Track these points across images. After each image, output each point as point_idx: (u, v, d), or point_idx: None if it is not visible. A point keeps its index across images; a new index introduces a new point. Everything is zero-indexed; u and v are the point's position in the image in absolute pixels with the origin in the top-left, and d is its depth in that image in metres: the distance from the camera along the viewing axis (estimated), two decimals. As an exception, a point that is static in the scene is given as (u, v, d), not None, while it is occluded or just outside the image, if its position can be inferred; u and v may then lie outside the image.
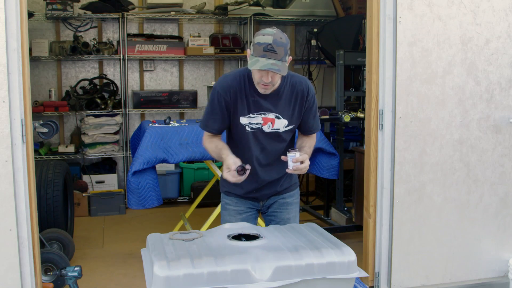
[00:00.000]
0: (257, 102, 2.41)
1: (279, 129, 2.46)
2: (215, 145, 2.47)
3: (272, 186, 2.60)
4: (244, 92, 2.40)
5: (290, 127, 2.49)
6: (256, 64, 2.20)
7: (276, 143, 2.50)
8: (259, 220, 3.41)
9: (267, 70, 2.22)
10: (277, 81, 2.35)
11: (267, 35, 2.21)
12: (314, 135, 2.62)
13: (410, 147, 3.10)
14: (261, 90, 2.35)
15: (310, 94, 2.47)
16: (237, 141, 2.52)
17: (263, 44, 2.20)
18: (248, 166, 2.30)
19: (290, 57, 2.33)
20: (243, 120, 2.43)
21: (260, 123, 2.44)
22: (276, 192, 2.61)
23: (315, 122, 2.56)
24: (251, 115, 2.43)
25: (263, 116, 2.43)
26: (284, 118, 2.45)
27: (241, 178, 2.29)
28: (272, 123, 2.45)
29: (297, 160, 2.32)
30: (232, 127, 2.49)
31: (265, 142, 2.49)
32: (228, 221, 2.59)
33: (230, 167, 2.28)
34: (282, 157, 2.40)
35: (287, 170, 2.36)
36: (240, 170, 2.29)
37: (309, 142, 2.57)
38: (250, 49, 2.30)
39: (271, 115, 2.43)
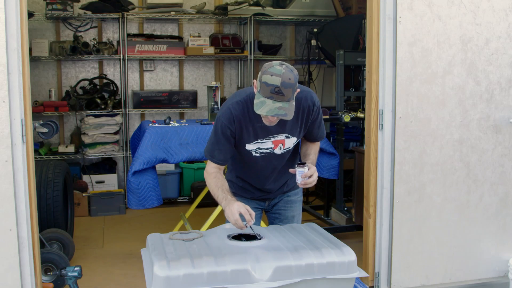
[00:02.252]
0: (265, 128, 2.35)
1: (289, 147, 2.47)
2: (220, 184, 2.39)
3: (279, 189, 2.63)
4: (249, 119, 2.35)
5: (298, 140, 2.51)
6: (263, 108, 2.14)
7: (286, 159, 2.52)
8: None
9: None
10: None
11: (275, 76, 2.12)
12: (318, 144, 2.63)
13: (410, 147, 3.10)
14: (266, 123, 2.30)
15: (315, 108, 2.43)
16: (244, 163, 2.52)
17: (271, 85, 2.12)
18: (251, 222, 2.21)
19: (298, 89, 2.26)
20: (249, 146, 2.41)
21: (271, 147, 2.42)
22: (282, 192, 2.64)
23: (320, 131, 2.55)
24: (259, 140, 2.39)
25: (272, 139, 2.40)
26: (293, 136, 2.44)
27: (243, 227, 2.21)
28: (283, 144, 2.43)
29: (306, 175, 2.30)
30: (237, 151, 2.47)
31: (276, 163, 2.49)
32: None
33: (239, 211, 2.21)
34: (291, 170, 2.41)
35: (297, 184, 2.36)
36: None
37: (314, 149, 2.56)
38: (257, 82, 2.22)
39: (281, 137, 2.41)
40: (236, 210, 2.20)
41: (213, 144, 2.41)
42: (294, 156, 2.59)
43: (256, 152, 2.43)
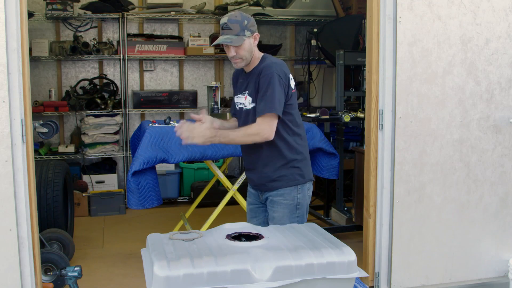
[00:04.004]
0: (242, 83, 2.69)
1: (246, 105, 2.63)
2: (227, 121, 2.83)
3: (260, 175, 2.67)
4: (238, 76, 2.76)
5: (253, 104, 2.60)
6: (214, 42, 2.58)
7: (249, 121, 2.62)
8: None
9: (228, 45, 2.53)
10: (246, 56, 2.56)
11: (225, 16, 2.57)
12: (260, 123, 2.49)
13: (410, 147, 3.10)
14: (234, 65, 2.63)
15: (263, 73, 2.53)
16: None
17: (222, 24, 2.56)
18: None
19: (257, 33, 2.60)
20: (235, 99, 2.74)
21: (243, 103, 2.66)
22: (266, 188, 2.68)
23: (263, 103, 2.48)
24: (239, 95, 2.70)
25: (245, 95, 2.65)
26: (249, 96, 2.62)
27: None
28: (246, 100, 2.66)
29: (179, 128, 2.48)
30: None
31: (246, 121, 2.63)
32: (247, 212, 2.86)
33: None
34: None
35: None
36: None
37: (244, 127, 2.55)
38: None
39: (246, 93, 2.65)
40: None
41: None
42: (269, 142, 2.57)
43: (238, 106, 2.71)
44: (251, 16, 5.66)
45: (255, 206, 2.79)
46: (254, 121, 2.55)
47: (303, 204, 2.66)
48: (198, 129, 2.45)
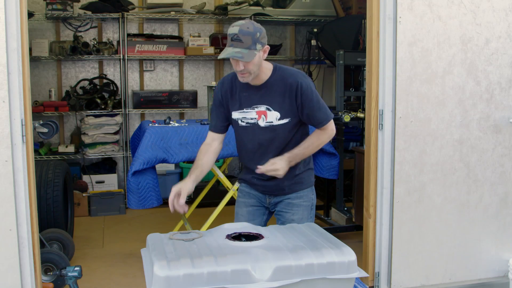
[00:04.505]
0: (249, 97, 2.50)
1: (272, 122, 2.48)
2: (197, 159, 2.58)
3: (278, 181, 2.57)
4: (236, 89, 2.53)
5: (285, 120, 2.48)
6: (222, 53, 2.34)
7: (273, 138, 2.51)
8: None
9: (237, 59, 2.33)
10: (254, 70, 2.40)
11: (235, 26, 2.33)
12: (327, 128, 2.55)
13: (410, 147, 3.10)
14: (240, 79, 2.43)
15: (303, 87, 2.44)
16: (237, 138, 2.63)
17: (231, 34, 2.33)
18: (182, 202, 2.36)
19: (267, 46, 2.42)
20: (235, 115, 2.54)
21: (255, 118, 2.50)
22: (282, 193, 2.62)
23: (321, 113, 2.51)
24: (244, 110, 2.52)
25: (256, 110, 2.49)
26: (275, 110, 2.47)
27: (172, 205, 2.38)
28: (265, 116, 2.49)
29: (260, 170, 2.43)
30: (231, 123, 2.62)
31: (261, 138, 2.51)
32: (237, 212, 2.72)
33: (172, 191, 2.37)
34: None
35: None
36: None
37: (309, 140, 2.55)
38: None
39: (262, 107, 2.49)
40: (174, 188, 2.37)
41: (211, 112, 2.67)
42: (284, 146, 2.54)
43: (242, 121, 2.54)
44: (251, 16, 5.71)
45: (255, 208, 2.69)
46: (284, 137, 2.51)
47: (314, 204, 2.71)
48: (278, 166, 2.42)
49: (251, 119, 2.51)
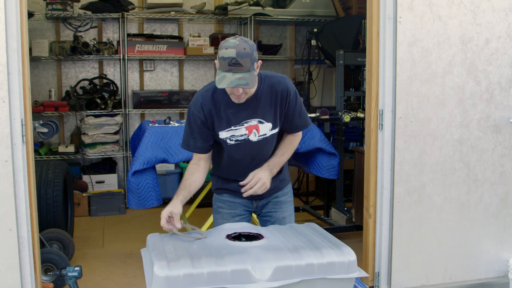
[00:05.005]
0: (237, 113, 2.33)
1: (265, 134, 2.40)
2: (184, 178, 2.44)
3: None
4: (219, 106, 2.34)
5: (276, 130, 2.43)
6: (223, 82, 2.14)
7: (265, 149, 2.46)
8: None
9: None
10: (251, 91, 2.29)
11: (230, 48, 2.12)
12: (299, 133, 2.54)
13: (410, 147, 3.10)
14: (235, 100, 2.28)
15: (291, 93, 2.37)
16: (224, 154, 2.48)
17: (227, 58, 2.12)
18: (178, 226, 2.23)
19: (260, 61, 2.24)
20: (223, 134, 2.38)
21: (245, 134, 2.38)
22: (270, 193, 2.55)
23: (302, 119, 2.47)
24: (233, 127, 2.36)
25: (246, 125, 2.36)
26: (267, 122, 2.38)
27: (169, 228, 2.22)
28: (258, 130, 2.38)
29: (245, 188, 2.33)
30: (215, 144, 2.47)
31: (254, 152, 2.43)
32: (222, 224, 2.52)
33: (162, 216, 2.24)
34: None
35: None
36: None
37: (284, 146, 2.49)
38: (216, 61, 2.21)
39: (254, 122, 2.37)
40: (164, 212, 2.24)
41: (187, 134, 2.44)
42: (272, 152, 2.51)
43: (231, 140, 2.39)
44: (251, 16, 5.71)
45: (241, 217, 2.58)
46: (273, 144, 2.47)
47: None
48: (263, 180, 2.33)
49: (241, 135, 2.38)
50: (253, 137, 2.40)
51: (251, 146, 2.41)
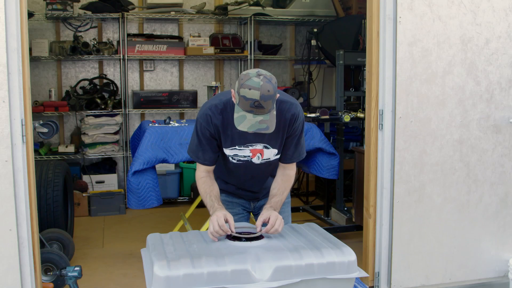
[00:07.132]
0: (243, 134, 2.27)
1: (269, 158, 2.38)
2: (209, 191, 2.35)
3: (263, 190, 2.56)
4: (227, 125, 2.29)
5: (280, 154, 2.41)
6: (244, 123, 2.08)
7: (267, 170, 2.46)
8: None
9: None
10: None
11: (254, 90, 2.03)
12: (294, 168, 2.45)
13: (410, 147, 3.10)
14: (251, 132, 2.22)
15: (298, 120, 2.32)
16: (225, 166, 2.47)
17: (250, 100, 2.04)
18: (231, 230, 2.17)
19: (278, 94, 2.17)
20: (227, 151, 2.36)
21: (248, 156, 2.35)
22: (266, 193, 2.54)
23: (297, 150, 2.39)
24: (237, 147, 2.33)
25: (250, 148, 2.34)
26: (273, 148, 2.35)
27: (221, 234, 2.16)
28: (262, 154, 2.35)
29: (267, 231, 2.20)
30: (220, 153, 2.44)
31: (255, 172, 2.43)
32: None
33: (217, 220, 2.15)
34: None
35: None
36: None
37: (283, 184, 2.40)
38: (235, 93, 2.14)
39: (259, 146, 2.34)
40: (220, 216, 2.17)
41: (196, 145, 2.38)
42: (277, 168, 2.48)
43: (233, 159, 2.37)
44: (251, 16, 5.71)
45: (240, 216, 2.58)
46: (276, 165, 2.43)
47: None
48: (278, 223, 2.20)
49: (244, 156, 2.35)
50: (256, 160, 2.37)
51: (253, 167, 2.40)
